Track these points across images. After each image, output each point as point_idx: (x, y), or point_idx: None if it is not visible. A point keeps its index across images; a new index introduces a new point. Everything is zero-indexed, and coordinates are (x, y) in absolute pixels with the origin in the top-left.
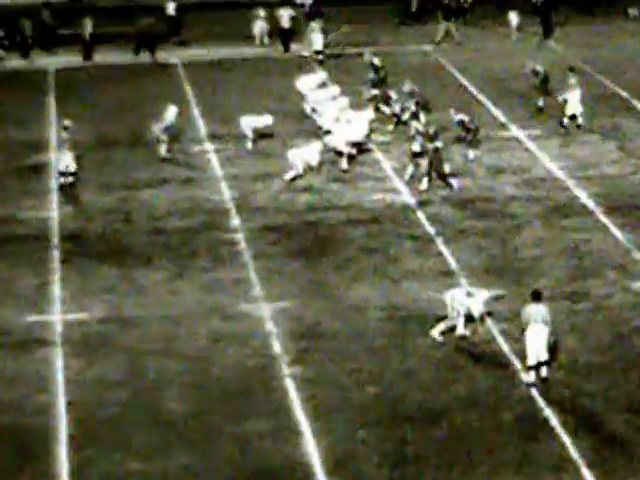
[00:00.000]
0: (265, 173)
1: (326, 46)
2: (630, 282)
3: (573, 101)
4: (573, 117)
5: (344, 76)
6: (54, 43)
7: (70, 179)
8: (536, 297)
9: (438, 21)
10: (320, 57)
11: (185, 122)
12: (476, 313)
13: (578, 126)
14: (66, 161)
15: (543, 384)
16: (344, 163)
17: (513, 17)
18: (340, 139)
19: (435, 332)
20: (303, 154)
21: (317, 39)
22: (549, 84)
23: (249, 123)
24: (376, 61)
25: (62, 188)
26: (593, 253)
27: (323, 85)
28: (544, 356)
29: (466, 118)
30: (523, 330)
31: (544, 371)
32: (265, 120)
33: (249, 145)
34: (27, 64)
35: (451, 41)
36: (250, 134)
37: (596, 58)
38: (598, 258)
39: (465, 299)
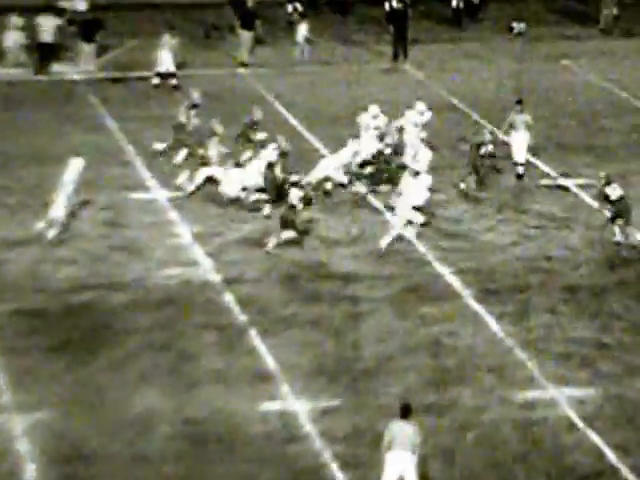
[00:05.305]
0: (17, 238)
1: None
2: (509, 391)
3: None
4: None
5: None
6: None
7: None
8: (405, 412)
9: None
10: (174, 82)
11: None
12: None
13: None
14: None
15: None
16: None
17: (302, 28)
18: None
19: None
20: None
21: (167, 58)
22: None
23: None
24: None
25: None
26: (461, 351)
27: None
28: None
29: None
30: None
31: None
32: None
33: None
34: None
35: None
36: (345, 179)
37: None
38: (468, 357)
39: None
